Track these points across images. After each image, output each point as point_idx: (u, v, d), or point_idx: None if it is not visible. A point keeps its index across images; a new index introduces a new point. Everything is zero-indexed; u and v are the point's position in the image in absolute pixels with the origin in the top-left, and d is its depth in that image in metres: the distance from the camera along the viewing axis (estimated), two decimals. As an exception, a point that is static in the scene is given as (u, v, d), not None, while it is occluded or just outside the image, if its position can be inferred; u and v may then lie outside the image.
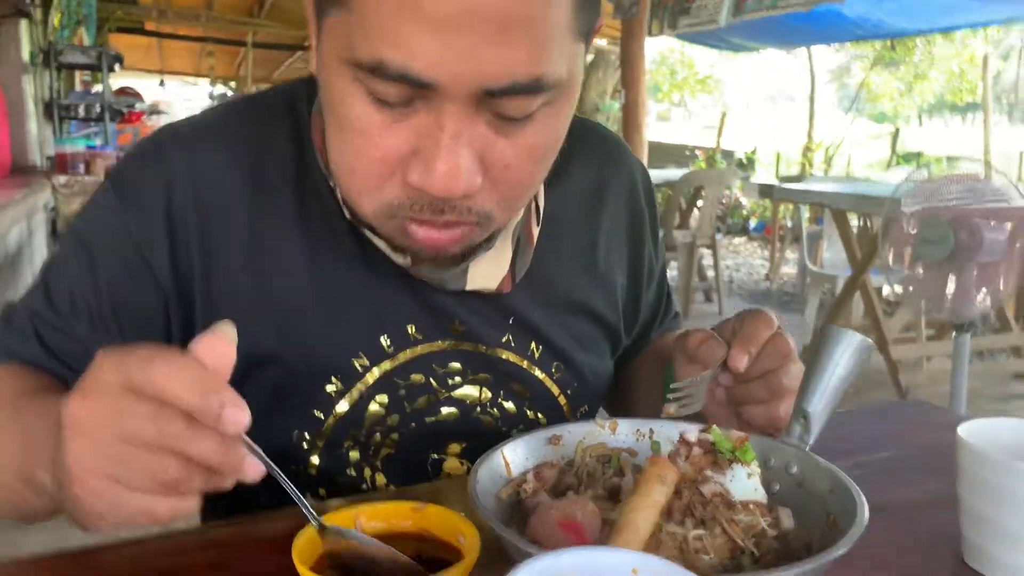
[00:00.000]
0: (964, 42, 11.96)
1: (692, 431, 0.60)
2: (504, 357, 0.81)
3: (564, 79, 0.60)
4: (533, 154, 0.64)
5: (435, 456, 0.80)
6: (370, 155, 0.62)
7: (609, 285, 0.89)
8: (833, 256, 4.46)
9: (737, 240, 9.00)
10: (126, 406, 0.45)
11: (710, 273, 5.73)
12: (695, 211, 5.67)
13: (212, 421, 0.45)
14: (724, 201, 7.01)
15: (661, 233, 0.97)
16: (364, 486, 0.78)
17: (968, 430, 0.59)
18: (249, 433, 0.47)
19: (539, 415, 0.83)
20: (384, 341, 0.76)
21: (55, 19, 5.08)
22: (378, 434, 0.77)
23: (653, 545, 0.53)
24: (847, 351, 0.66)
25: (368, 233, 0.73)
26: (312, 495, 0.77)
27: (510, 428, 0.82)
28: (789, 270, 6.94)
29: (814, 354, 0.67)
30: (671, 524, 0.54)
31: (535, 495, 0.63)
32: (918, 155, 10.44)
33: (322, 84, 0.65)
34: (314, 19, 0.65)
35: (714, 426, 0.60)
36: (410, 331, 0.77)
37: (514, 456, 0.66)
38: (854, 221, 4.26)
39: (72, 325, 0.73)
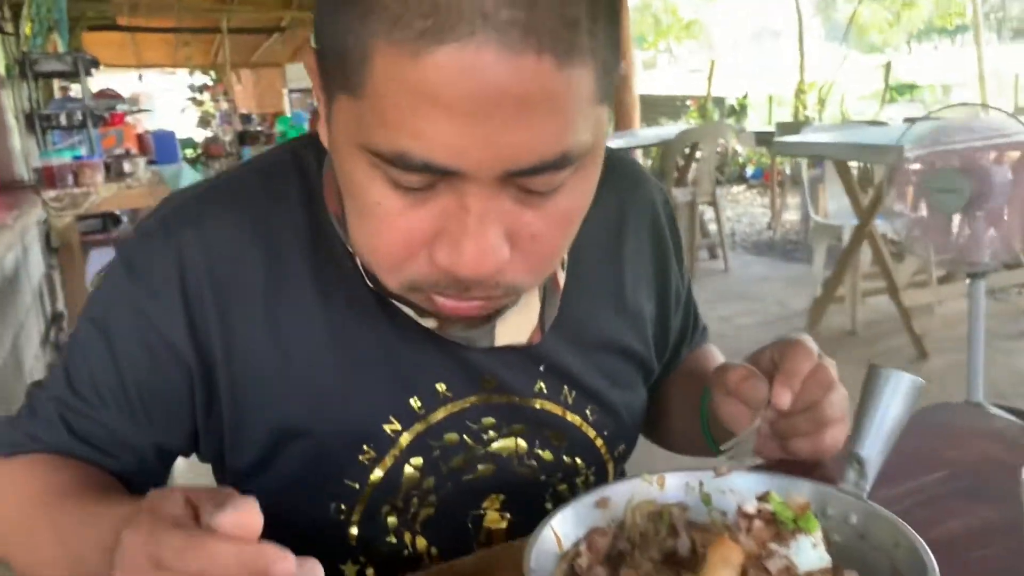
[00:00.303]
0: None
1: (749, 501, 0.57)
2: (538, 407, 0.79)
3: (590, 145, 0.57)
4: (562, 222, 0.61)
5: (475, 513, 0.78)
6: (391, 238, 0.59)
7: (638, 319, 0.86)
8: (837, 205, 4.41)
9: (736, 189, 8.95)
10: None
11: (712, 228, 5.70)
12: (692, 166, 5.61)
13: None
14: (719, 151, 6.95)
15: (685, 260, 0.95)
16: (406, 552, 0.76)
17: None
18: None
19: (577, 460, 0.81)
20: (415, 403, 0.74)
21: (26, 28, 4.98)
22: (415, 498, 0.76)
23: (724, 634, 0.51)
24: (897, 392, 0.64)
25: (397, 303, 0.72)
26: (352, 562, 0.76)
27: (549, 476, 0.80)
28: (791, 217, 6.90)
29: (863, 396, 0.65)
30: (740, 609, 0.52)
31: (591, 570, 0.61)
32: (912, 87, 10.32)
33: (336, 164, 0.62)
34: (322, 94, 0.61)
35: (772, 492, 0.57)
36: (440, 390, 0.75)
37: (563, 527, 0.64)
38: (854, 164, 4.21)
39: (99, 410, 0.71)
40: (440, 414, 0.75)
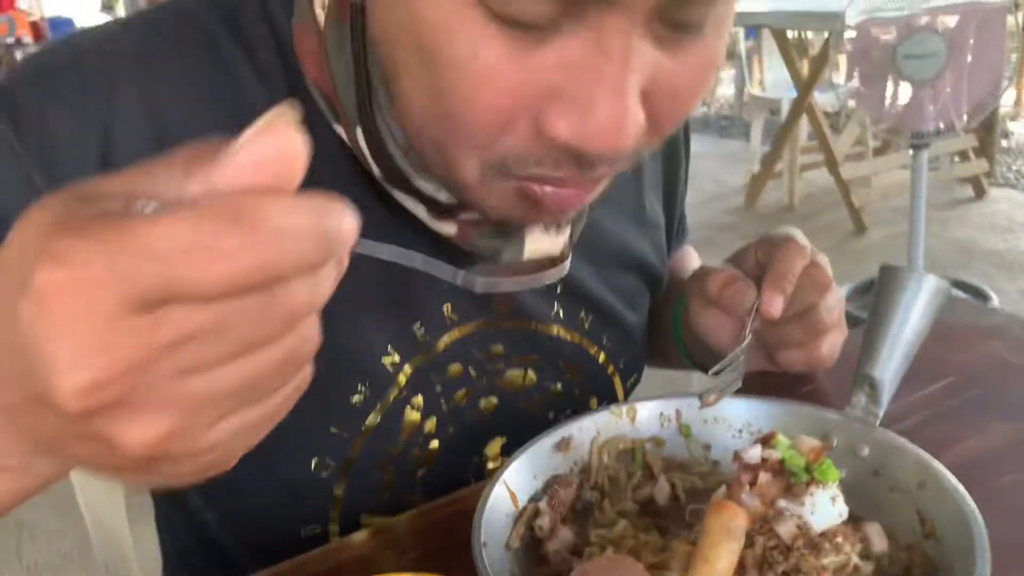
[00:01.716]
0: None
1: (751, 449, 0.46)
2: (556, 334, 0.65)
3: None
4: (705, 75, 0.46)
5: (475, 460, 0.65)
6: (489, 100, 0.42)
7: (655, 230, 0.73)
8: (775, 77, 4.28)
9: (668, 64, 8.73)
10: (200, 322, 0.24)
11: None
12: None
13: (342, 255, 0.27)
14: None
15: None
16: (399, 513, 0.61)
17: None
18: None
19: (588, 393, 0.69)
20: (417, 329, 0.59)
21: None
22: (416, 447, 0.61)
23: (728, 619, 0.41)
24: (917, 299, 0.52)
25: (398, 194, 0.54)
26: (319, 523, 0.61)
27: (557, 413, 0.68)
28: (725, 91, 6.76)
29: (877, 304, 0.54)
30: (746, 587, 0.41)
31: (554, 533, 0.50)
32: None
33: (386, 6, 0.44)
34: None
35: (779, 436, 0.46)
36: (446, 311, 0.60)
37: (518, 479, 0.52)
38: (791, 34, 4.07)
39: None
40: (445, 341, 0.61)
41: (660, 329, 0.77)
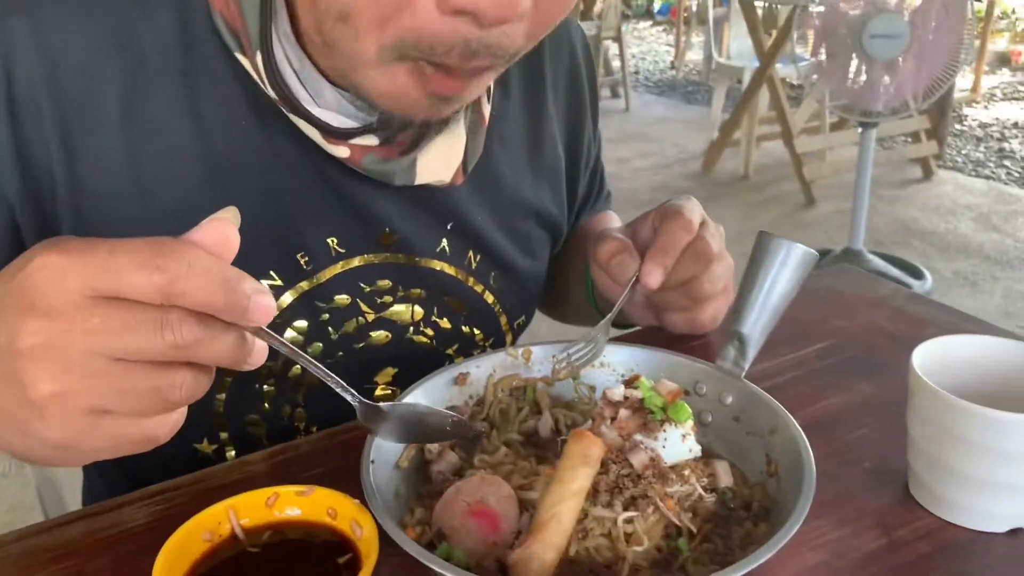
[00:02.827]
0: None
1: (616, 388, 0.51)
2: (438, 268, 0.70)
3: None
4: None
5: (365, 386, 0.70)
6: None
7: (555, 179, 0.77)
8: (740, 46, 4.32)
9: (642, 25, 8.70)
10: (115, 318, 0.36)
11: (616, 65, 5.54)
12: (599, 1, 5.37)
13: (239, 316, 0.38)
14: (628, -18, 6.65)
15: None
16: (280, 424, 0.68)
17: (922, 356, 0.53)
18: None
19: (475, 330, 0.74)
20: (301, 259, 0.63)
21: None
22: (297, 366, 0.66)
23: (579, 535, 0.46)
24: (787, 264, 0.58)
25: (297, 119, 0.58)
26: (210, 440, 0.66)
27: (445, 347, 0.72)
28: (694, 56, 6.78)
29: (749, 267, 0.59)
30: (598, 507, 0.47)
31: (442, 455, 0.55)
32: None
33: None
34: None
35: (642, 379, 0.51)
36: (332, 244, 0.64)
37: (415, 408, 0.57)
38: (759, 3, 4.09)
39: None
40: (329, 272, 0.65)
41: (575, 285, 0.81)
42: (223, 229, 0.38)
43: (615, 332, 0.66)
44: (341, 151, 0.59)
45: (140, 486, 0.57)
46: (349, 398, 0.47)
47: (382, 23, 0.49)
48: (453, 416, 0.53)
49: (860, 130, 2.82)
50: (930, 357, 0.53)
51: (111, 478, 0.77)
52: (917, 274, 2.95)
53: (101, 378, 0.37)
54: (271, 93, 0.57)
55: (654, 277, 0.63)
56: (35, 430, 0.38)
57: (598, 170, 0.88)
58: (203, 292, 0.36)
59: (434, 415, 0.54)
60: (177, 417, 0.41)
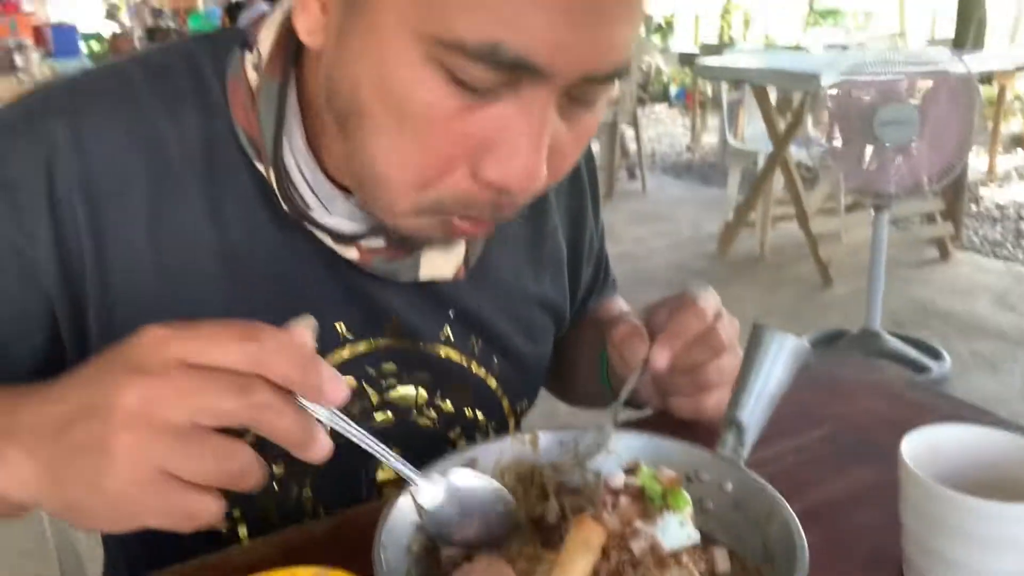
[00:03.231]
0: None
1: (617, 476, 0.53)
2: (443, 354, 0.73)
3: None
4: (585, 139, 0.58)
5: (370, 466, 0.72)
6: (438, 147, 0.53)
7: (557, 268, 0.82)
8: (754, 130, 4.41)
9: (658, 108, 8.90)
10: (205, 379, 0.42)
11: (632, 148, 5.66)
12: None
13: (315, 394, 0.44)
14: (644, 68, 6.83)
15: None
16: (288, 504, 0.70)
17: (912, 445, 0.55)
18: None
19: (478, 413, 0.77)
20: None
21: None
22: None
23: (580, 619, 0.47)
24: (781, 355, 0.60)
25: (312, 228, 0.65)
26: (226, 517, 0.69)
27: (448, 429, 0.75)
28: (710, 139, 6.91)
29: (745, 358, 0.62)
30: (599, 593, 0.48)
31: (450, 540, 0.57)
32: (834, 12, 10.36)
33: (352, 59, 0.54)
34: None
35: (643, 467, 0.54)
36: (339, 329, 0.68)
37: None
38: (774, 92, 4.20)
39: None
40: (337, 357, 0.69)
41: (586, 370, 0.84)
42: (302, 330, 0.45)
43: (625, 412, 0.69)
44: (351, 253, 0.65)
45: (159, 564, 0.59)
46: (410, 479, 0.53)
47: (422, 187, 0.55)
48: (507, 499, 0.57)
49: (872, 212, 2.85)
50: (921, 446, 0.55)
51: (130, 553, 0.79)
52: (936, 355, 2.94)
53: (179, 439, 0.42)
54: (284, 206, 0.63)
55: (661, 360, 0.67)
56: (100, 475, 0.42)
57: (602, 259, 0.92)
58: (286, 365, 0.43)
59: (487, 492, 0.57)
60: (224, 503, 0.45)
